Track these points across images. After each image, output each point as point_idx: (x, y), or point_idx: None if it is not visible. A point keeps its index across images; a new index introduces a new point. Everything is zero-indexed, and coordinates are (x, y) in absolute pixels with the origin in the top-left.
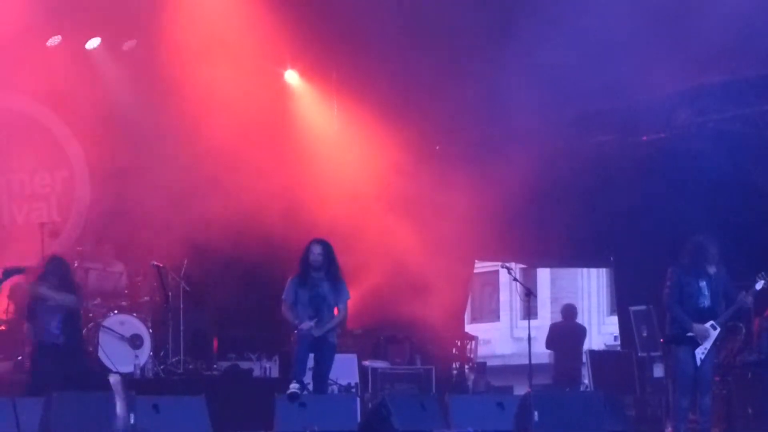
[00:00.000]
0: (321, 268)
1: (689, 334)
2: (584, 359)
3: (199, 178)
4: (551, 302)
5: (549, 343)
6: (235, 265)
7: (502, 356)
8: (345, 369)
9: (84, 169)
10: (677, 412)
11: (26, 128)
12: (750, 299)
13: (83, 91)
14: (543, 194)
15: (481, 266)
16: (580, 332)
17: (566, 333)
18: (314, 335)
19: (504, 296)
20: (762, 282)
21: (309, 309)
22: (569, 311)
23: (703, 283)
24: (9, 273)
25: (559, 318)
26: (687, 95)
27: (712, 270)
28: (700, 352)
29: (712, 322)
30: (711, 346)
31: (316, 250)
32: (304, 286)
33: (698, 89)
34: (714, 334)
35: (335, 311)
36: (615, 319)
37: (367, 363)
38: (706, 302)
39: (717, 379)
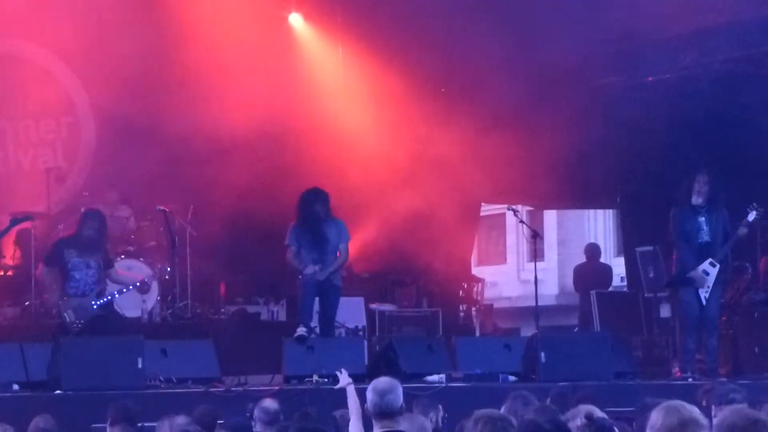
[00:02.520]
0: (319, 212)
1: (689, 275)
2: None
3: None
4: (558, 244)
5: (577, 285)
6: (242, 210)
7: (509, 298)
8: (352, 312)
9: (89, 115)
10: (684, 352)
11: (31, 74)
12: (744, 230)
13: (88, 37)
14: (549, 135)
15: (487, 209)
16: (607, 272)
17: (594, 274)
18: (318, 279)
19: (510, 239)
20: (754, 213)
21: (313, 252)
22: (593, 251)
23: (702, 219)
24: (17, 220)
25: (568, 259)
26: (692, 36)
27: (703, 201)
28: (704, 292)
29: (710, 259)
30: (715, 284)
31: (314, 197)
32: (305, 230)
33: (703, 30)
34: (714, 271)
35: (337, 254)
36: (622, 260)
37: (374, 306)
38: (705, 237)
39: (723, 318)
